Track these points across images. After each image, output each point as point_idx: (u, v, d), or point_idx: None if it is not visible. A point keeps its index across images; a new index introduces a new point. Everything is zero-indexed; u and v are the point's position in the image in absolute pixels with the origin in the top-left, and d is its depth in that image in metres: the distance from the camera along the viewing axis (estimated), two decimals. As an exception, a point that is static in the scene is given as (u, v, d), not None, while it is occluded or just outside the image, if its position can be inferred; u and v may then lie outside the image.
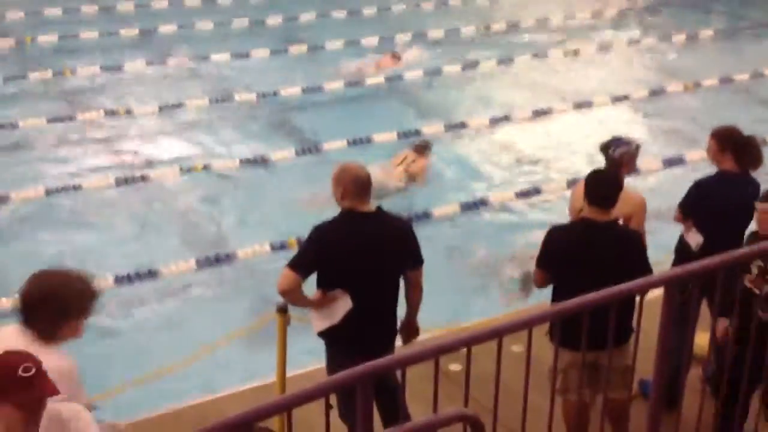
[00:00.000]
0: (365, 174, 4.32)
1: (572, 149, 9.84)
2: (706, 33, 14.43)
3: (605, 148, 5.16)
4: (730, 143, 5.11)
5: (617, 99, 11.24)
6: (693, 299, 4.06)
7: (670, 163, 9.09)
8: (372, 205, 4.35)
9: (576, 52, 13.35)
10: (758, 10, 16.29)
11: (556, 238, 4.46)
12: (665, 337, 3.42)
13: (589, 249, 4.31)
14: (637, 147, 5.23)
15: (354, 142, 9.59)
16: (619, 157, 5.08)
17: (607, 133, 8.81)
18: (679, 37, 14.18)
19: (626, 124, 10.49)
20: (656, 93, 11.53)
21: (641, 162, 8.17)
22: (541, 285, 4.57)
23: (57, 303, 3.13)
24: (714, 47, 14.05)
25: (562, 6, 16.40)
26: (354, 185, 4.28)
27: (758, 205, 4.59)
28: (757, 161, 5.16)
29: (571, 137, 10.19)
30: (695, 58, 13.42)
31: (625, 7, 16.42)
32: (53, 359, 2.91)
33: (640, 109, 11.14)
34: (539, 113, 10.75)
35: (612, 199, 4.38)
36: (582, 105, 11.04)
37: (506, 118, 10.61)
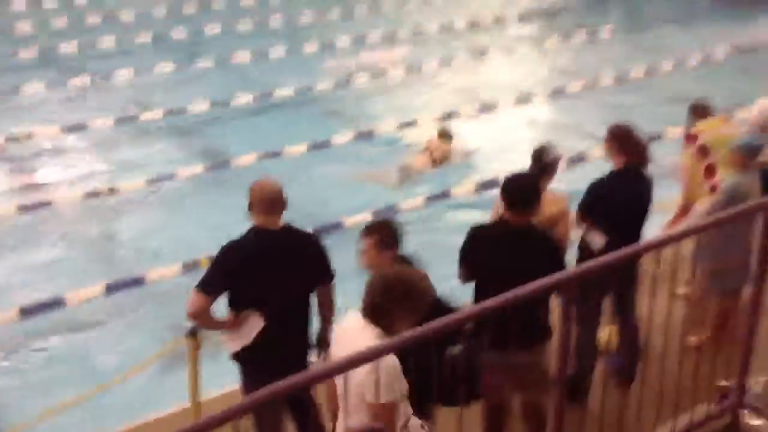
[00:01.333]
0: (275, 190, 4.26)
1: (482, 151, 10.00)
2: (605, 32, 14.88)
3: (538, 154, 5.21)
4: (620, 141, 5.25)
5: (522, 99, 11.46)
6: (594, 297, 4.18)
7: (574, 161, 9.32)
8: (281, 220, 4.29)
9: (482, 54, 13.60)
10: (654, 6, 16.91)
11: (474, 236, 4.49)
12: (565, 334, 3.50)
13: (504, 253, 4.36)
14: (556, 148, 5.33)
15: (264, 156, 9.53)
16: (553, 163, 5.18)
17: (515, 134, 8.98)
18: (579, 37, 14.61)
19: (531, 123, 10.74)
20: (558, 92, 11.81)
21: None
22: (464, 281, 4.58)
23: (410, 302, 3.32)
24: (612, 45, 14.50)
25: (467, 11, 16.71)
26: (262, 202, 4.23)
27: None
28: (644, 157, 5.32)
29: (480, 138, 10.36)
30: (594, 56, 13.84)
31: (527, 10, 16.81)
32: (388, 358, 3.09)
33: (544, 108, 11.40)
34: (447, 116, 10.89)
35: (531, 204, 4.38)
36: (488, 107, 11.24)
37: (414, 123, 10.71)
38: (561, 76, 12.71)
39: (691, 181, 6.19)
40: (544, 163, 5.07)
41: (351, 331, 3.41)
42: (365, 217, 8.14)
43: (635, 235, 5.19)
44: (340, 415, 3.38)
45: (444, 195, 8.81)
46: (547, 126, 10.78)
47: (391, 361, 3.16)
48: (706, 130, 6.16)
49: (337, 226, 7.93)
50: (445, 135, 9.65)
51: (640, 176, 5.25)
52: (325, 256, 4.44)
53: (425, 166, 9.46)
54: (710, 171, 6.08)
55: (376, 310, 3.34)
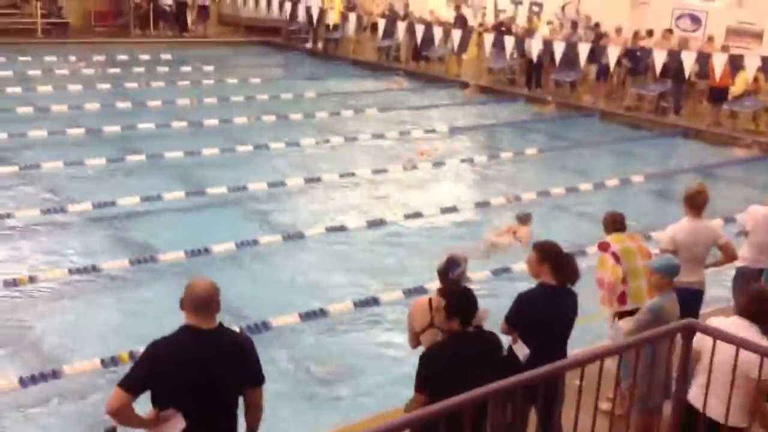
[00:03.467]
0: (207, 290, 4.24)
1: (405, 259, 10.17)
2: (530, 151, 15.54)
3: (443, 272, 5.36)
4: (550, 257, 5.47)
5: (447, 210, 11.77)
6: (520, 409, 4.25)
7: (497, 272, 9.54)
8: (215, 321, 4.27)
9: (412, 166, 14.00)
10: (576, 131, 17.77)
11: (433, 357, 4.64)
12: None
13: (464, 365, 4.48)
14: (466, 260, 5.49)
15: (192, 253, 9.49)
16: (458, 278, 5.33)
17: (438, 244, 9.18)
18: (506, 155, 15.20)
19: (455, 235, 11.02)
20: (481, 205, 12.18)
21: (471, 273, 8.59)
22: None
23: None
24: (535, 164, 15.12)
25: (398, 123, 17.27)
26: (194, 301, 4.22)
27: None
28: (574, 275, 5.54)
29: (404, 247, 10.57)
30: (519, 173, 14.40)
31: (457, 126, 17.46)
32: None
33: (468, 221, 11.72)
34: (374, 224, 11.08)
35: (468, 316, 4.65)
36: (414, 216, 11.49)
37: (342, 228, 10.84)
38: (488, 191, 13.13)
39: (612, 284, 6.41)
40: (449, 280, 5.25)
41: None
42: (293, 318, 8.17)
43: (561, 348, 5.36)
44: None
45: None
46: (471, 236, 11.05)
47: None
48: (616, 241, 6.46)
49: (264, 326, 7.89)
50: (525, 219, 10.75)
51: (567, 291, 5.45)
52: (255, 360, 4.41)
53: (508, 244, 10.59)
54: (622, 281, 6.35)
55: None
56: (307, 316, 8.30)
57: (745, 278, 7.04)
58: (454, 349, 4.66)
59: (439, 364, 4.62)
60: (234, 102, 18.07)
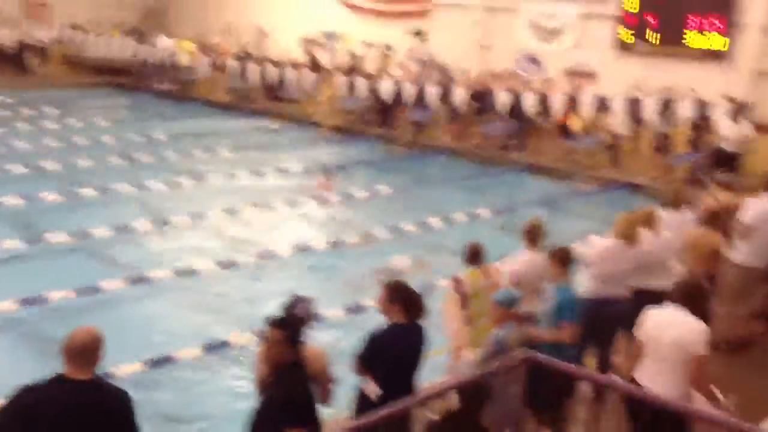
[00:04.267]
0: (82, 340, 4.15)
1: (257, 300, 10.01)
2: (384, 189, 15.74)
3: (289, 308, 5.29)
4: (400, 297, 5.53)
5: (300, 250, 11.70)
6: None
7: (351, 311, 9.54)
8: (91, 373, 4.17)
9: (266, 206, 13.87)
10: (428, 169, 18.19)
11: None
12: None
13: None
14: (311, 300, 5.46)
15: (26, 302, 8.96)
16: (304, 315, 5.27)
17: (291, 285, 9.11)
18: (360, 194, 15.32)
19: (308, 276, 10.97)
20: (335, 245, 12.19)
21: (327, 312, 8.56)
22: None
23: None
24: (389, 202, 15.32)
25: (252, 163, 17.13)
26: (67, 349, 4.14)
27: None
28: (423, 312, 5.62)
29: (256, 288, 10.41)
30: (372, 211, 14.54)
31: (311, 166, 17.50)
32: None
33: (322, 261, 11.70)
34: (225, 265, 10.86)
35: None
36: (267, 256, 11.35)
37: (192, 271, 10.58)
38: (341, 230, 13.17)
39: (457, 325, 6.54)
40: (294, 317, 5.20)
41: None
42: (135, 367, 7.83)
43: (410, 385, 5.39)
44: None
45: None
46: (325, 275, 11.02)
47: None
48: (469, 279, 6.60)
49: (106, 376, 7.50)
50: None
51: (417, 328, 5.52)
52: (130, 414, 4.30)
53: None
54: (468, 320, 6.50)
55: None
56: (155, 363, 8.00)
57: (585, 307, 7.30)
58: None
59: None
60: (79, 145, 17.41)
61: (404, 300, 5.52)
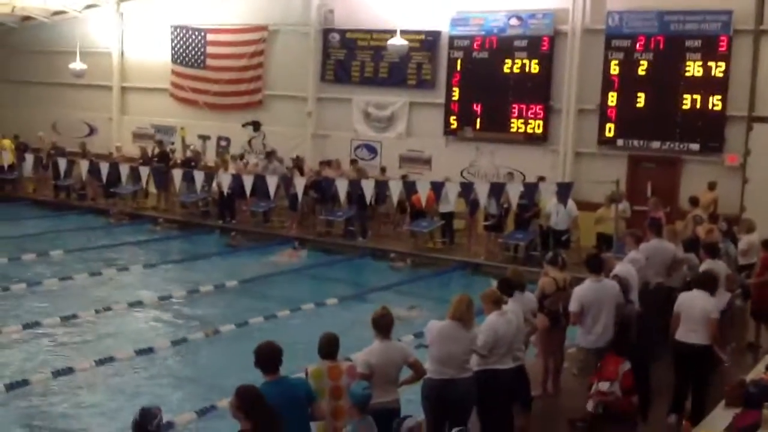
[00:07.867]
0: None
1: (100, 407, 9.55)
2: (229, 283, 15.46)
3: (140, 425, 5.11)
4: (247, 403, 5.41)
5: (142, 352, 11.25)
6: None
7: (203, 412, 9.22)
8: None
9: (105, 308, 13.28)
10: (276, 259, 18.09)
11: None
12: None
13: None
14: (159, 409, 5.28)
15: None
16: (156, 429, 5.13)
17: (132, 390, 8.72)
18: (205, 288, 15.00)
19: (149, 379, 10.58)
20: (179, 342, 11.83)
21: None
22: None
23: None
24: (234, 295, 15.08)
25: (88, 263, 16.44)
26: None
27: None
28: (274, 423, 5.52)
29: (96, 398, 9.98)
30: (218, 306, 14.27)
31: (151, 263, 17.03)
32: None
33: (165, 360, 11.31)
34: (60, 373, 10.30)
35: None
36: (106, 360, 10.84)
37: (25, 382, 9.95)
38: (185, 327, 12.84)
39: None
40: (149, 430, 5.09)
41: None
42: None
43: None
44: None
45: None
46: (168, 377, 10.66)
47: None
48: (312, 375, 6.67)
49: None
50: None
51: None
52: None
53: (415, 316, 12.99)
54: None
55: None
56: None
57: (429, 388, 7.42)
58: None
59: None
60: None
61: (254, 408, 5.41)
